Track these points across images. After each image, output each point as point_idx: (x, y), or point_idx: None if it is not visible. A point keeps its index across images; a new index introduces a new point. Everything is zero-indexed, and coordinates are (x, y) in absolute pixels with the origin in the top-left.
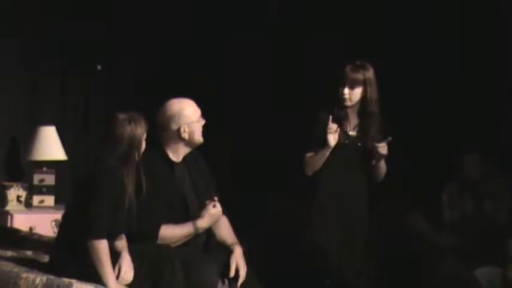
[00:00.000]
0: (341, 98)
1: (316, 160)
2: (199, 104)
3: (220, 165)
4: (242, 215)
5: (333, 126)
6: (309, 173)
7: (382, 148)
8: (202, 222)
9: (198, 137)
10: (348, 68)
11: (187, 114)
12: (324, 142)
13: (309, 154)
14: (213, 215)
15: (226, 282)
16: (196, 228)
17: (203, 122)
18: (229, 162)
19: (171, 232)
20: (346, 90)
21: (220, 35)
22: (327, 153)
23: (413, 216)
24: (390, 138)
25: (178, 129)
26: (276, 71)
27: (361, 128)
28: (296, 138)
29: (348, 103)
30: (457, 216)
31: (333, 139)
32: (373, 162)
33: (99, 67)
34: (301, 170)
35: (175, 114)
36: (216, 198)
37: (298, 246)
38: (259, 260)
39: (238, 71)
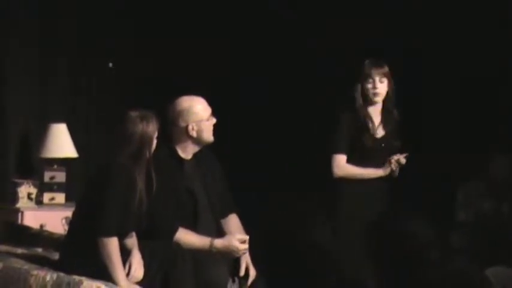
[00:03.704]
0: (370, 94)
1: (360, 176)
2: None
3: (233, 162)
4: (254, 212)
5: (402, 160)
6: (339, 175)
7: (398, 163)
8: (219, 244)
9: (208, 136)
10: (371, 62)
11: (196, 112)
12: (352, 145)
13: (345, 163)
14: (233, 246)
15: (237, 280)
16: (211, 246)
17: (214, 120)
18: (243, 160)
19: (187, 238)
20: (378, 84)
21: (223, 35)
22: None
23: (415, 218)
24: (407, 155)
25: (187, 127)
26: (281, 69)
27: (385, 128)
28: (309, 136)
29: (378, 98)
30: (472, 217)
31: (394, 167)
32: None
33: (110, 64)
34: (324, 172)
35: (184, 111)
36: (247, 236)
37: (310, 244)
38: (267, 259)
39: (243, 70)
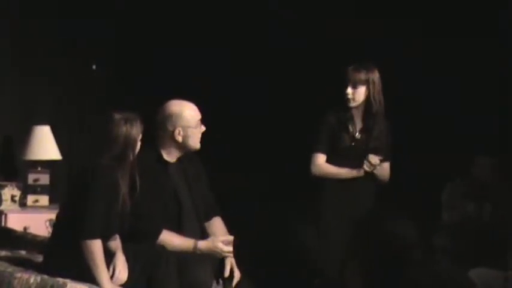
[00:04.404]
0: (344, 99)
1: (335, 176)
2: (198, 104)
3: (218, 164)
4: (239, 214)
5: (373, 160)
6: (316, 175)
7: (369, 163)
8: (203, 245)
9: (194, 143)
10: (351, 68)
11: (185, 117)
12: (332, 145)
13: (323, 162)
14: (217, 248)
15: (221, 282)
16: (195, 248)
17: (203, 128)
18: (227, 162)
19: (171, 240)
20: (349, 90)
21: (221, 35)
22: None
23: (399, 219)
24: (381, 158)
25: (173, 131)
26: (281, 69)
27: (366, 129)
28: (297, 138)
29: (352, 103)
30: (456, 217)
31: (367, 168)
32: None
33: (94, 67)
34: (306, 171)
35: (173, 115)
36: (231, 237)
37: (293, 246)
38: (252, 260)
39: (238, 71)
